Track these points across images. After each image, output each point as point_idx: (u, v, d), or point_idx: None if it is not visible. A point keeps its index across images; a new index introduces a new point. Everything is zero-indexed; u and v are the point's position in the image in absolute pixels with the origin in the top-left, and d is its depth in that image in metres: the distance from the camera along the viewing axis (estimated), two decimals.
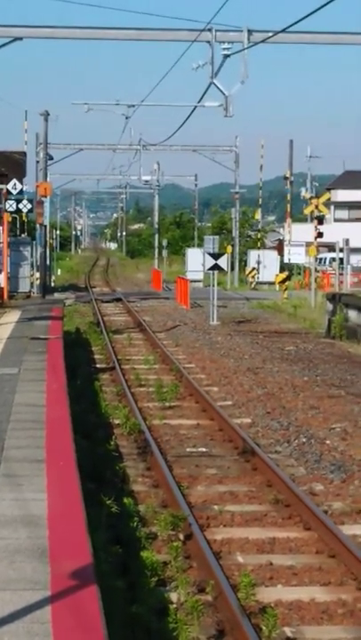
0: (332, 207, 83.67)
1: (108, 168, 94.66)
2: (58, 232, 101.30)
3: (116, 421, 16.75)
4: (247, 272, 63.37)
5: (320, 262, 63.62)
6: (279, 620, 8.52)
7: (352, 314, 31.09)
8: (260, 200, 73.45)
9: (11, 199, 39.51)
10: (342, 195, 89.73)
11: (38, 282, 44.18)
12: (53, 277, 59.61)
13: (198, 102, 32.62)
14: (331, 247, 60.75)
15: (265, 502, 12.32)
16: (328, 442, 15.77)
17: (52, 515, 8.60)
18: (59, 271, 73.03)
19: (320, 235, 45.72)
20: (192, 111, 32.39)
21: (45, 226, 47.15)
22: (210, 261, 37.26)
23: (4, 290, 37.23)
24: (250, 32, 25.96)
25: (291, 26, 23.43)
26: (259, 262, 62.34)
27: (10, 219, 41.18)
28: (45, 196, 44.50)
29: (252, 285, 61.13)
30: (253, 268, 62.32)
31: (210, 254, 38.24)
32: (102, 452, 14.01)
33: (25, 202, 41.93)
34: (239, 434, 15.53)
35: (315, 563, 10.17)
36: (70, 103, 50.82)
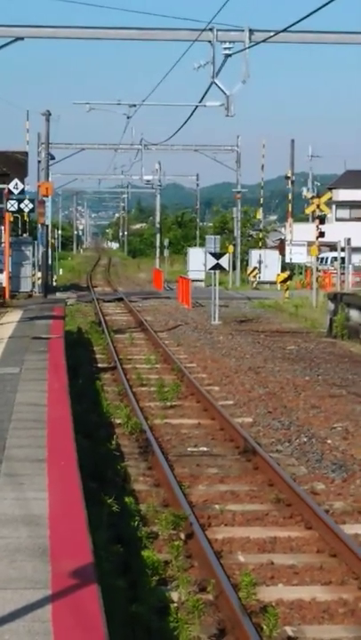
0: (333, 207, 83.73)
1: (110, 168, 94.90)
2: (59, 232, 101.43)
3: (118, 421, 16.76)
4: (249, 272, 63.37)
5: (321, 262, 63.67)
6: (280, 620, 8.52)
7: (353, 313, 31.07)
8: (262, 200, 73.48)
9: (12, 199, 39.59)
10: (344, 194, 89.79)
11: (40, 281, 44.20)
12: (55, 277, 59.66)
13: (200, 102, 32.62)
14: (332, 247, 60.85)
15: (266, 502, 12.32)
16: (329, 441, 15.78)
17: (52, 514, 8.60)
18: (60, 271, 73.11)
19: (321, 234, 45.72)
20: (193, 111, 32.39)
21: (47, 225, 47.18)
22: (211, 261, 37.26)
23: (6, 289, 37.26)
24: (251, 31, 25.97)
25: (292, 25, 23.44)
26: (260, 262, 62.34)
27: (12, 218, 41.23)
28: (47, 196, 44.54)
29: (254, 285, 61.13)
30: (255, 268, 62.32)
31: (211, 254, 38.26)
32: (103, 452, 14.01)
33: (27, 201, 42.04)
34: (240, 433, 15.53)
35: (316, 562, 10.17)
36: (72, 103, 50.87)
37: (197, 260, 57.31)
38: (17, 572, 7.20)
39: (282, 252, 63.50)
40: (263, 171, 70.38)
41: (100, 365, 24.13)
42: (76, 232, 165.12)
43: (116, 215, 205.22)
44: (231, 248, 61.11)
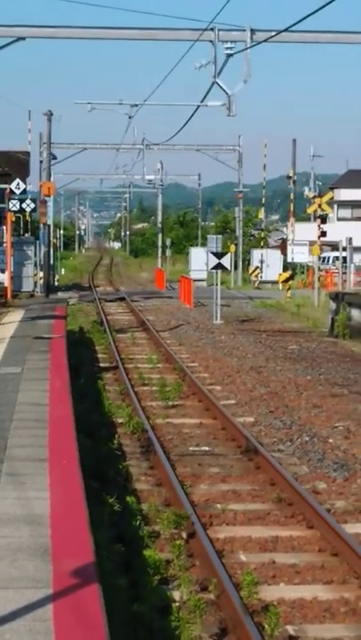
0: (335, 206, 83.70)
1: (112, 167, 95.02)
2: (61, 231, 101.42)
3: (120, 420, 16.76)
4: (250, 271, 63.37)
5: (323, 261, 63.67)
6: (282, 619, 8.52)
7: (355, 313, 31.07)
8: (264, 199, 73.41)
9: (14, 199, 39.52)
10: (345, 194, 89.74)
11: (42, 281, 44.20)
12: (57, 277, 59.68)
13: (201, 102, 32.59)
14: (334, 246, 60.85)
15: (268, 501, 12.32)
16: (331, 440, 15.78)
17: (54, 513, 8.60)
18: (62, 270, 73.12)
19: (323, 234, 45.70)
20: (195, 110, 32.40)
21: (49, 225, 47.20)
22: (213, 260, 37.25)
23: (8, 289, 37.30)
24: (253, 31, 25.96)
25: (293, 25, 23.42)
26: (262, 261, 62.33)
27: (13, 218, 41.26)
28: (49, 196, 44.58)
29: (256, 284, 61.14)
30: (257, 267, 62.32)
31: (213, 253, 38.25)
32: (105, 451, 14.02)
33: (28, 201, 41.96)
34: (242, 432, 15.53)
35: (317, 561, 10.18)
36: (73, 103, 50.66)
37: (199, 260, 57.31)
38: (18, 572, 7.20)
39: (284, 252, 63.52)
40: (265, 170, 70.35)
41: (101, 365, 24.13)
42: (78, 232, 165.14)
43: (118, 215, 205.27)
44: (233, 248, 61.13)
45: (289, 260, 60.42)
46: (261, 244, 73.00)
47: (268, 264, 61.96)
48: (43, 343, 21.65)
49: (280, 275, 53.94)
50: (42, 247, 45.83)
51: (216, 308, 36.48)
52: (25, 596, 6.71)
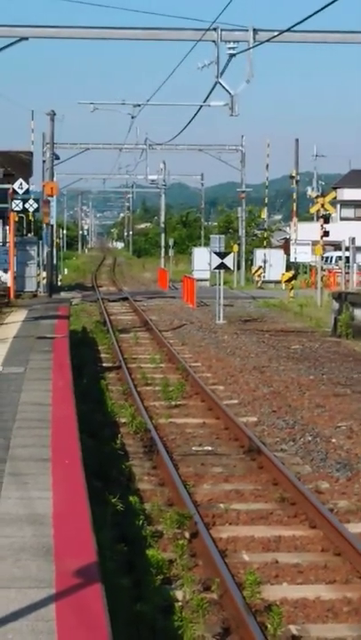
0: (338, 206, 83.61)
1: (115, 167, 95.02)
2: (64, 231, 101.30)
3: (123, 420, 16.77)
4: (253, 271, 63.37)
5: (326, 261, 63.53)
6: (284, 618, 8.52)
7: (358, 312, 31.06)
8: (267, 199, 73.48)
9: (17, 199, 39.55)
10: (348, 193, 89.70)
11: (45, 281, 44.23)
12: (60, 277, 59.66)
13: (204, 102, 32.60)
14: (337, 246, 60.75)
15: (271, 500, 12.32)
16: (334, 440, 15.77)
17: (57, 513, 8.61)
18: (65, 270, 73.11)
19: (326, 233, 45.69)
20: (198, 110, 32.43)
21: (52, 225, 47.21)
22: (216, 260, 37.26)
23: (11, 289, 37.31)
24: (255, 31, 25.94)
25: (296, 25, 23.43)
26: (265, 261, 62.35)
27: (16, 218, 41.24)
28: (52, 196, 44.58)
29: (259, 284, 61.14)
30: (260, 267, 62.33)
31: (216, 253, 38.25)
32: (108, 451, 14.02)
33: (31, 201, 42.00)
34: (245, 432, 15.53)
35: (320, 561, 10.17)
36: (76, 103, 50.72)
37: (202, 260, 57.36)
38: (21, 571, 7.21)
39: (286, 252, 63.51)
40: (268, 170, 70.46)
41: (104, 365, 24.14)
42: (80, 232, 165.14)
43: (121, 215, 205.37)
44: (236, 247, 61.12)
45: (292, 259, 60.40)
46: (264, 243, 73.04)
47: (271, 264, 61.99)
48: (46, 343, 21.67)
49: (283, 274, 53.93)
50: (45, 247, 45.85)
51: (219, 307, 36.48)
52: (28, 596, 6.71)
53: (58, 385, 15.72)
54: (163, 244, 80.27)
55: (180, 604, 8.84)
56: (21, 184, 39.91)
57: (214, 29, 25.90)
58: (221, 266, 37.18)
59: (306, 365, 24.47)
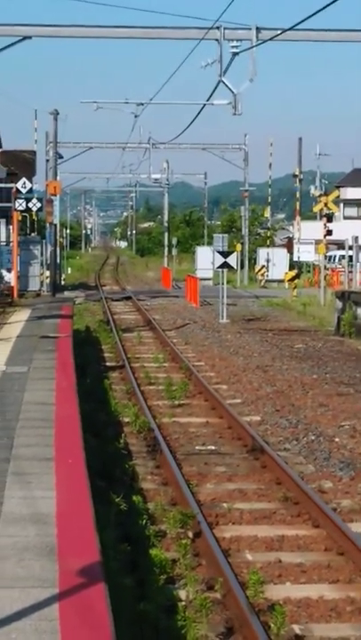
0: (341, 205, 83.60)
1: (118, 166, 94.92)
2: (68, 231, 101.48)
3: (126, 419, 16.77)
4: (257, 270, 63.35)
5: (329, 260, 63.60)
6: (288, 618, 8.52)
7: None
8: (270, 198, 73.39)
9: (20, 198, 39.57)
10: (351, 192, 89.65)
11: (48, 280, 44.26)
12: (63, 276, 59.73)
13: (207, 100, 32.59)
14: (340, 245, 60.69)
15: (274, 500, 12.32)
16: (337, 439, 15.77)
17: (60, 512, 8.61)
18: (69, 270, 73.19)
19: (329, 232, 45.65)
20: (201, 109, 32.42)
21: (55, 224, 47.26)
22: (219, 259, 37.26)
23: (14, 288, 37.33)
24: (258, 30, 25.96)
25: (299, 23, 23.41)
26: (268, 260, 62.32)
27: (20, 217, 41.26)
28: (55, 195, 44.61)
29: (262, 283, 61.12)
30: (263, 266, 62.30)
31: (219, 252, 38.26)
32: (111, 450, 14.03)
33: (35, 201, 42.06)
34: (248, 432, 15.53)
35: (323, 560, 10.17)
36: (79, 102, 50.57)
37: (205, 259, 57.30)
38: (24, 571, 7.21)
39: (290, 251, 63.42)
40: (271, 169, 70.37)
41: (108, 364, 24.15)
42: (84, 231, 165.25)
43: (125, 214, 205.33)
44: (239, 246, 61.08)
45: (295, 258, 60.35)
46: (267, 242, 72.98)
47: (275, 263, 61.95)
48: (49, 342, 21.67)
49: (286, 273, 53.91)
50: (48, 246, 45.87)
51: (222, 306, 36.49)
52: (31, 596, 6.72)
53: (61, 384, 15.73)
54: (166, 243, 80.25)
55: (183, 603, 8.84)
56: (25, 183, 39.92)
57: (217, 28, 25.92)
58: (225, 265, 37.19)
59: (309, 364, 24.47)
